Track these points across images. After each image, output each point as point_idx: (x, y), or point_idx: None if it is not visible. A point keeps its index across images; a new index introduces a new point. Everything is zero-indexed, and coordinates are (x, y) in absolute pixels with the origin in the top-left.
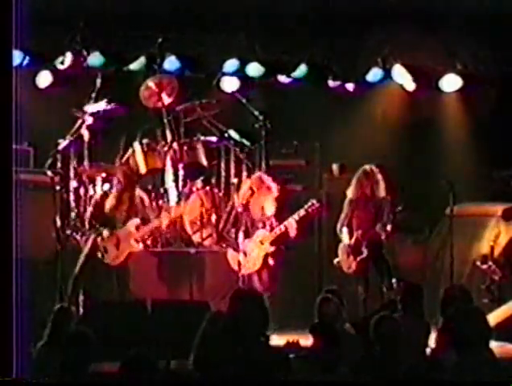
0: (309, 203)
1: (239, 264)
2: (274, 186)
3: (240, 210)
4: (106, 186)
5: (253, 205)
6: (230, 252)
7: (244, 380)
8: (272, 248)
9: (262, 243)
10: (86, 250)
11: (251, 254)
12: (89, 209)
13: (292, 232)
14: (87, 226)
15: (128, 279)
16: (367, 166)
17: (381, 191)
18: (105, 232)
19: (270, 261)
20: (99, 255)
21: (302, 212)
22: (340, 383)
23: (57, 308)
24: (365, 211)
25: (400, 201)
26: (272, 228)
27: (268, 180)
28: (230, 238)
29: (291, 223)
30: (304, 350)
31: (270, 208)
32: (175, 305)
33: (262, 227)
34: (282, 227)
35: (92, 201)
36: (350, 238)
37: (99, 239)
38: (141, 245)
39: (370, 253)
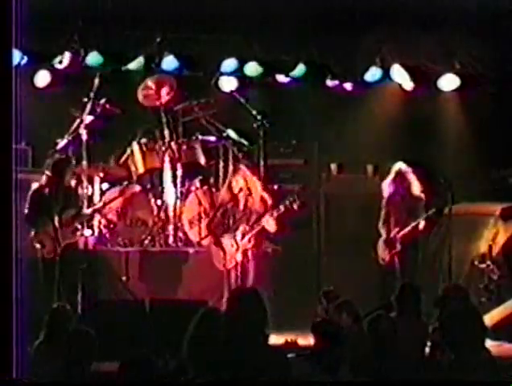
0: (290, 199)
1: (221, 259)
2: (259, 183)
3: (228, 203)
4: (105, 186)
5: (245, 197)
6: (213, 247)
7: (243, 380)
8: (250, 245)
9: (241, 238)
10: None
11: (231, 249)
12: (27, 201)
13: (271, 229)
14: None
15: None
16: (399, 166)
17: (416, 190)
18: (42, 225)
19: (249, 258)
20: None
21: (281, 208)
22: (340, 384)
23: (54, 307)
24: (400, 210)
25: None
26: (253, 224)
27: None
28: (216, 230)
29: (269, 221)
30: (304, 349)
31: (256, 202)
32: (174, 304)
33: (244, 222)
34: (260, 223)
35: (29, 193)
36: (387, 234)
37: (32, 232)
38: (78, 236)
39: (404, 248)
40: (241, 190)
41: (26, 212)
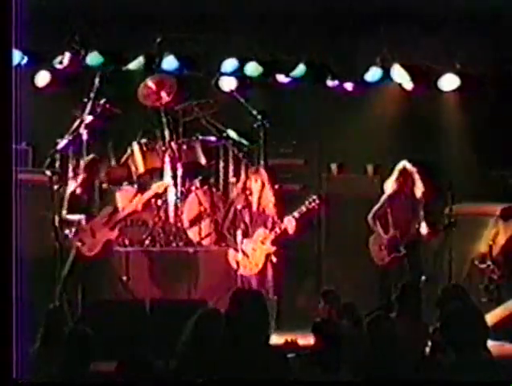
0: (310, 199)
1: (238, 264)
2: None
3: (240, 206)
4: (104, 186)
5: (259, 201)
6: (231, 252)
7: (243, 380)
8: (274, 248)
9: (263, 243)
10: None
11: (253, 255)
12: (65, 203)
13: (292, 230)
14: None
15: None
16: (404, 165)
17: (418, 192)
18: (82, 223)
19: (273, 261)
20: (76, 247)
21: (303, 209)
22: (340, 383)
23: (50, 308)
24: (402, 210)
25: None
26: (272, 227)
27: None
28: (230, 236)
29: (291, 221)
30: (305, 349)
31: (270, 206)
32: (174, 304)
33: (261, 226)
34: (282, 225)
35: (67, 194)
36: (385, 232)
37: (73, 231)
38: (116, 232)
39: (407, 252)
40: (255, 192)
41: (64, 213)
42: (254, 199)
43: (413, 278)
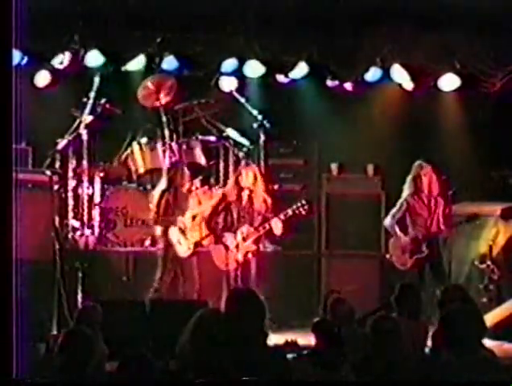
0: (298, 204)
1: (220, 259)
2: (263, 184)
3: (231, 201)
4: (105, 186)
5: (251, 196)
6: (214, 247)
7: (243, 380)
8: (254, 247)
9: (244, 240)
10: (161, 250)
11: (234, 251)
12: (154, 205)
13: (277, 231)
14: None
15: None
16: (420, 163)
17: (436, 189)
18: (173, 227)
19: (252, 260)
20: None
21: (289, 212)
22: (340, 383)
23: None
24: (422, 208)
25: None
26: (258, 226)
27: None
28: (217, 230)
29: (277, 223)
30: (305, 349)
31: (261, 202)
32: (174, 304)
33: (247, 223)
34: (266, 225)
35: (156, 197)
36: (405, 234)
37: (169, 233)
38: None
39: (429, 252)
40: (246, 187)
41: (153, 215)
42: (245, 194)
43: (435, 280)
